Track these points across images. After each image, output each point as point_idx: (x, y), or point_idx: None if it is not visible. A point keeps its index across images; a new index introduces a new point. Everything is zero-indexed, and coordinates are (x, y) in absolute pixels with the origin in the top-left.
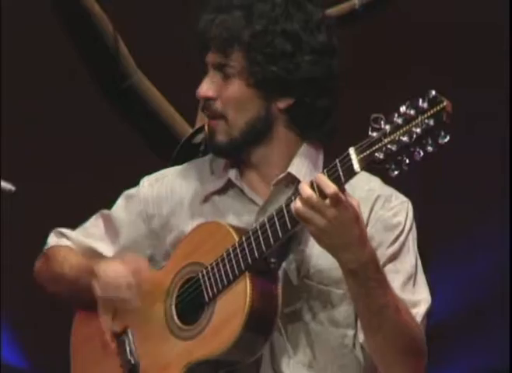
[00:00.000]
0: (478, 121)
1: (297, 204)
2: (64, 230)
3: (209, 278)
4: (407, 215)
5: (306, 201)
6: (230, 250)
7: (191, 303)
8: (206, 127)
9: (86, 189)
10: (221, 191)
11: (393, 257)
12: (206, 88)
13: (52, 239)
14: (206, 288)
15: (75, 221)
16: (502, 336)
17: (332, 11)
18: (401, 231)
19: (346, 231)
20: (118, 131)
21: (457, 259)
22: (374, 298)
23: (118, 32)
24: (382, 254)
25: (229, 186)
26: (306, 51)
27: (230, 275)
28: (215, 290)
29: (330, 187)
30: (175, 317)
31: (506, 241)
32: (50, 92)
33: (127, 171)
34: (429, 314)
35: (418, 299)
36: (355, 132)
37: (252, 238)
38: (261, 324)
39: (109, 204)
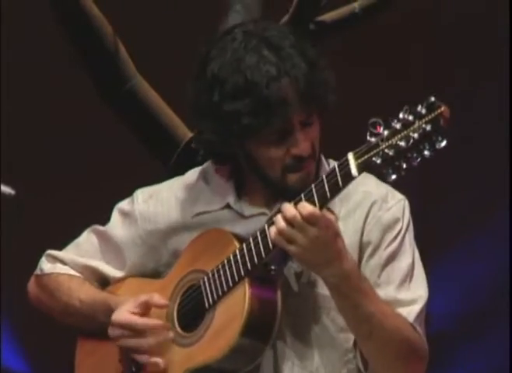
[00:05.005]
0: (478, 121)
1: (280, 224)
2: (55, 253)
3: (210, 285)
4: (403, 213)
5: (290, 220)
6: (231, 257)
7: (193, 310)
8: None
9: (86, 190)
10: (218, 210)
11: (391, 257)
12: (308, 147)
13: (46, 266)
14: (207, 295)
15: (74, 221)
16: (502, 339)
17: (332, 14)
18: (400, 230)
19: (327, 248)
20: (119, 134)
21: (457, 262)
22: (360, 307)
23: (118, 35)
24: (380, 254)
25: (227, 208)
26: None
27: (230, 281)
28: (215, 296)
29: (305, 208)
30: (176, 324)
31: (506, 242)
32: (50, 94)
33: (127, 173)
34: (425, 310)
35: (412, 298)
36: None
37: (252, 244)
38: (259, 330)
39: (109, 205)
